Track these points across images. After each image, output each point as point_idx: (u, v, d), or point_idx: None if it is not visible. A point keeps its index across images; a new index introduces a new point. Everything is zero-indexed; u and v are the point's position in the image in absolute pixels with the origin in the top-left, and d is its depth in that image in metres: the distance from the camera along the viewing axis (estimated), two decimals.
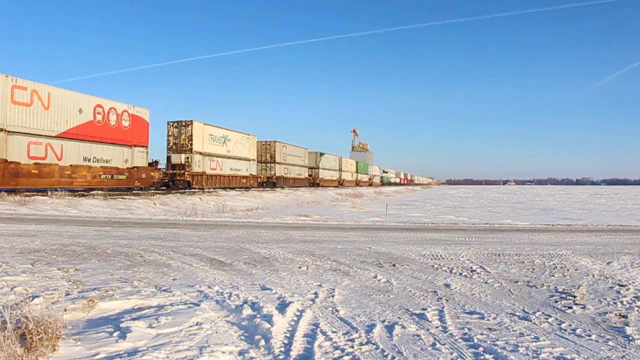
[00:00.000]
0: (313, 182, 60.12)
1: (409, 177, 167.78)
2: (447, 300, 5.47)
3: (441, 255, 8.39)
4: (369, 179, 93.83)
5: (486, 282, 6.40)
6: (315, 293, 5.68)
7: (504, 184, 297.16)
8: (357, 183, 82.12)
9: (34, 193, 21.05)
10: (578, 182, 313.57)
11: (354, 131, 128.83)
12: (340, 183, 71.81)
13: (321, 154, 63.12)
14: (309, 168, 59.41)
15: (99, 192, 24.62)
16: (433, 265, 7.50)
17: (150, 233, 11.19)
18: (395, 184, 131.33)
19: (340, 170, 72.60)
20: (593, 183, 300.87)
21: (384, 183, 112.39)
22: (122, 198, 23.52)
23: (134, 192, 27.03)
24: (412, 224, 15.21)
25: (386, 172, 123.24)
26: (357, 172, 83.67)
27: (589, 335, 4.33)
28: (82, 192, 23.76)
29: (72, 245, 8.89)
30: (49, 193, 21.34)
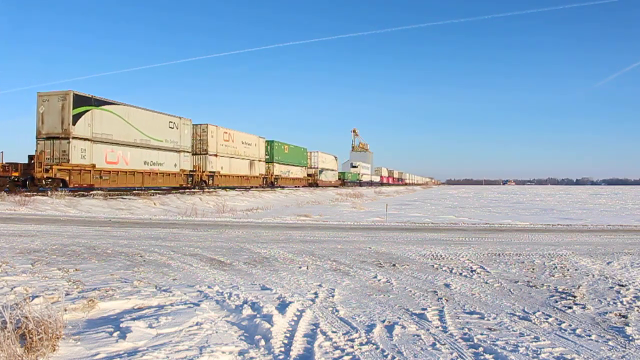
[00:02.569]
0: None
1: (396, 175, 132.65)
2: (447, 300, 5.47)
3: (441, 255, 8.39)
4: (310, 176, 58.12)
5: (486, 282, 6.40)
6: (315, 293, 5.68)
7: (504, 184, 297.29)
8: (272, 180, 45.68)
9: (37, 193, 21.06)
10: (578, 182, 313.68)
11: (354, 131, 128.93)
12: (202, 181, 33.92)
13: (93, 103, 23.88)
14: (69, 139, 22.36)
15: (100, 192, 24.61)
16: (433, 265, 7.50)
17: (150, 233, 11.19)
18: (373, 183, 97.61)
19: (205, 152, 34.25)
20: (593, 183, 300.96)
21: (346, 182, 74.99)
22: (122, 198, 23.51)
23: (134, 192, 27.07)
24: (412, 224, 15.21)
25: (355, 167, 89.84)
26: (270, 160, 45.61)
27: (589, 335, 4.33)
28: (82, 193, 23.74)
29: (72, 245, 8.89)
30: (49, 193, 21.34)
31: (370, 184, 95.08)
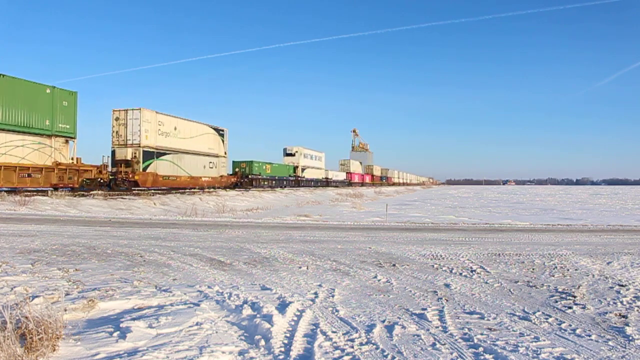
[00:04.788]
0: None
1: (377, 173, 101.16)
2: (447, 300, 5.47)
3: (441, 255, 8.39)
4: (124, 166, 27.12)
5: (486, 282, 6.40)
6: (315, 293, 5.68)
7: (504, 184, 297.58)
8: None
9: (35, 193, 21.07)
10: (578, 182, 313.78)
11: (354, 131, 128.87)
12: None
13: None
14: None
15: (99, 192, 24.59)
16: (433, 265, 7.50)
17: (150, 233, 11.19)
18: (330, 183, 65.97)
19: None
20: (593, 183, 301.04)
21: (254, 179, 43.30)
22: (122, 198, 23.51)
23: (134, 192, 27.04)
24: (412, 224, 15.21)
25: (291, 155, 55.54)
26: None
27: (589, 335, 4.33)
28: (82, 193, 23.73)
29: (72, 245, 8.89)
30: (49, 193, 21.36)
31: (326, 183, 63.85)
